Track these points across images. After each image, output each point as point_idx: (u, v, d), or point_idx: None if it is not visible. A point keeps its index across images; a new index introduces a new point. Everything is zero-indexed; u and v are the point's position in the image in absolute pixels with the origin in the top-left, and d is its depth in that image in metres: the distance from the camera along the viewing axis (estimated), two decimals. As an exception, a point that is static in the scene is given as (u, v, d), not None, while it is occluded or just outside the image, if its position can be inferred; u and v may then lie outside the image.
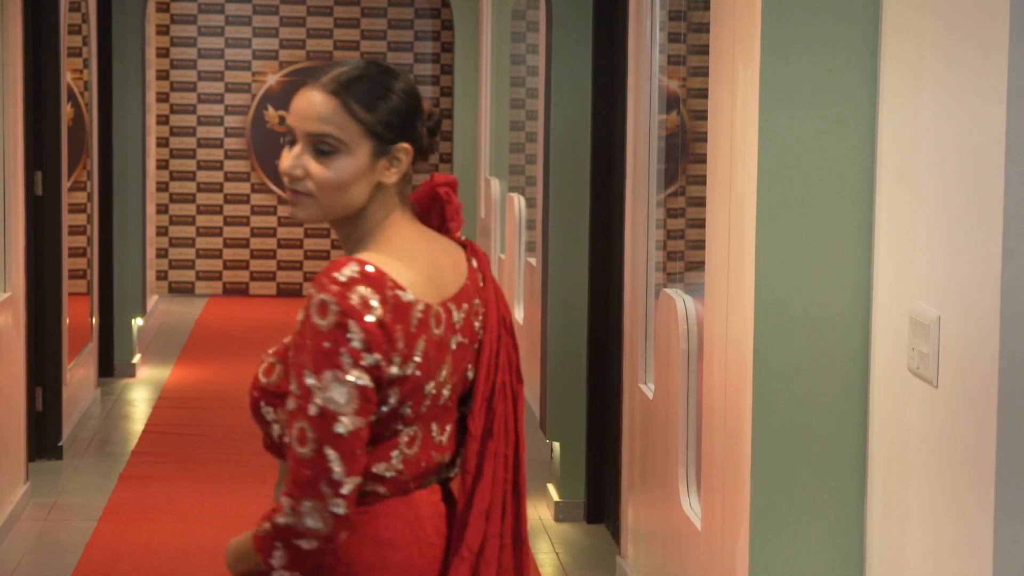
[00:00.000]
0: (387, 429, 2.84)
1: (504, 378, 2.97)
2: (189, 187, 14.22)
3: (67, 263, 8.84)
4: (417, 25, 14.16)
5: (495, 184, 12.20)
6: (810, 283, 4.42)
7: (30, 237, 8.00)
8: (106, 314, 10.53)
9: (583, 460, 7.44)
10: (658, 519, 5.91)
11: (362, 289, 2.76)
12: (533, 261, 9.65)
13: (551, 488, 7.60)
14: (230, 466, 8.20)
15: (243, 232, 14.24)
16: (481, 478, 2.92)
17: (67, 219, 8.84)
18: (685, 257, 6.37)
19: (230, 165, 14.16)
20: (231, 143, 14.11)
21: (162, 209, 14.14)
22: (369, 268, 2.79)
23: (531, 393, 9.28)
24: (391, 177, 2.90)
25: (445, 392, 2.90)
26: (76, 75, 9.76)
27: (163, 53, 14.01)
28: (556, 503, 7.45)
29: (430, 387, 2.87)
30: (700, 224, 6.91)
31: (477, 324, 2.96)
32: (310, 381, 2.73)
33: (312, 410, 2.73)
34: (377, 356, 2.76)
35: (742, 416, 4.58)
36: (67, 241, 8.84)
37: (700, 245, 6.92)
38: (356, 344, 2.74)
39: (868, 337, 4.38)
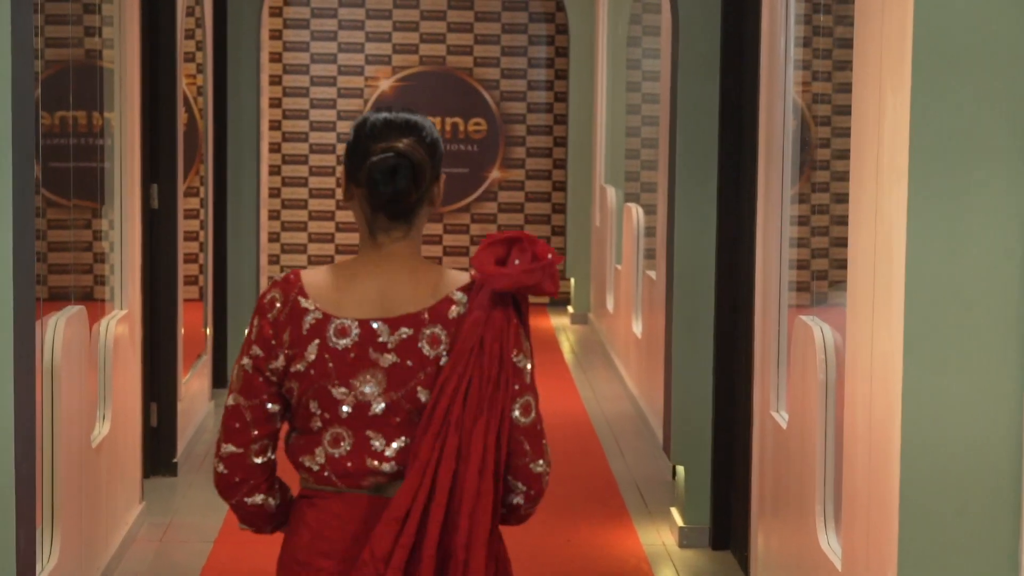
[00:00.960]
0: (308, 425, 3.26)
1: (463, 400, 3.22)
2: (301, 192, 14.14)
3: (182, 272, 8.74)
4: (531, 29, 13.99)
5: (611, 192, 12.01)
6: (964, 315, 4.20)
7: (145, 251, 7.91)
8: (220, 323, 10.44)
9: (708, 484, 7.23)
10: (792, 553, 5.70)
11: (275, 291, 3.31)
12: (653, 274, 9.45)
13: (675, 512, 7.40)
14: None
15: (354, 238, 14.12)
16: (404, 489, 3.20)
17: (182, 228, 8.74)
18: (827, 276, 6.16)
19: (340, 171, 14.05)
20: (342, 148, 14.00)
21: (274, 215, 14.07)
22: (292, 276, 3.34)
23: (653, 413, 9.08)
24: (353, 214, 3.36)
25: (376, 405, 3.25)
26: (190, 80, 9.69)
27: (276, 58, 13.94)
28: (680, 528, 7.25)
29: (340, 392, 3.24)
30: (840, 239, 6.70)
31: (430, 351, 3.25)
32: None
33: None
34: (259, 349, 3.28)
35: (889, 456, 4.36)
36: (182, 251, 8.74)
37: (839, 263, 6.71)
38: (254, 335, 3.31)
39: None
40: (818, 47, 6.18)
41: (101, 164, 7.23)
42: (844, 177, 6.70)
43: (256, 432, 3.28)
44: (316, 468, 3.27)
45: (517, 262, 3.26)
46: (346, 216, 14.14)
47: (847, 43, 5.57)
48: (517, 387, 3.27)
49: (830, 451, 5.34)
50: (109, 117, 7.26)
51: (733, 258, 6.98)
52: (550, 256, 3.27)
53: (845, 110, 6.66)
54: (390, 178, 3.26)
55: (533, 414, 3.30)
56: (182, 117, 8.98)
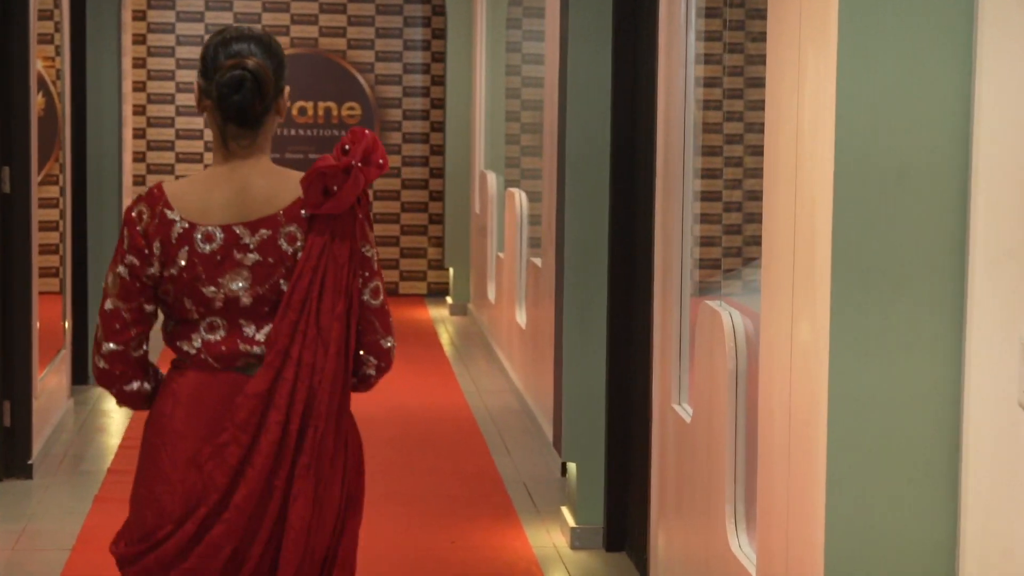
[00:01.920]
0: (185, 317, 3.69)
1: (319, 290, 3.64)
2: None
3: (37, 262, 8.19)
4: (407, 10, 13.51)
5: (492, 178, 11.59)
6: (896, 295, 3.81)
7: (-4, 238, 7.35)
8: (80, 315, 9.89)
9: (602, 482, 6.81)
10: (698, 555, 5.29)
11: (141, 205, 3.69)
12: (538, 261, 9.03)
13: (566, 512, 6.98)
14: (214, 485, 7.57)
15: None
16: (261, 372, 3.63)
17: (37, 216, 8.19)
18: (723, 265, 5.77)
19: (211, 158, 13.48)
20: (210, 135, 13.44)
21: (139, 204, 13.47)
22: (156, 190, 3.71)
23: (540, 408, 8.65)
24: (207, 123, 3.77)
25: (245, 299, 3.67)
26: (48, 63, 9.15)
27: (140, 39, 13.35)
28: (572, 529, 6.82)
29: (212, 291, 3.65)
30: (737, 227, 6.31)
31: (288, 247, 3.68)
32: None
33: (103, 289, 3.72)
34: (133, 258, 3.66)
35: (813, 450, 3.96)
36: (37, 239, 8.19)
37: (736, 251, 6.32)
38: (126, 245, 3.68)
39: (961, 365, 3.77)
40: (723, 10, 5.79)
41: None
42: (753, 153, 6.33)
43: (135, 331, 3.71)
44: (193, 352, 3.69)
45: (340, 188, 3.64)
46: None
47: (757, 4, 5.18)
48: (367, 274, 3.73)
49: (740, 446, 4.94)
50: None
51: (628, 241, 6.56)
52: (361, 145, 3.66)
53: (758, 82, 6.27)
54: (236, 91, 3.66)
55: (381, 297, 3.77)
56: (39, 101, 8.48)
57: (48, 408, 8.46)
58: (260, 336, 3.69)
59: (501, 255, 10.82)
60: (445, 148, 13.13)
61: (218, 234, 3.67)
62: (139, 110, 13.44)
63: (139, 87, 13.43)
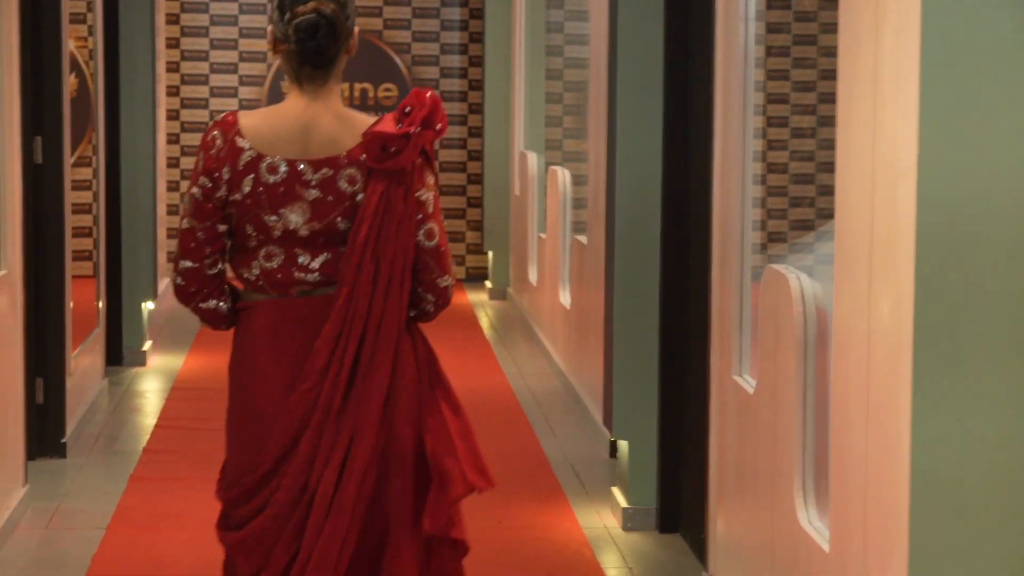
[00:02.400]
0: (245, 244, 3.95)
1: (377, 234, 3.87)
2: (201, 163, 13.36)
3: (71, 241, 8.00)
4: (445, -10, 13.28)
5: (532, 158, 11.35)
6: (987, 254, 3.57)
7: (29, 210, 7.15)
8: (114, 297, 9.70)
9: (655, 461, 6.57)
10: (763, 534, 5.06)
11: (216, 131, 3.94)
12: (583, 239, 8.79)
13: (617, 493, 6.74)
14: (252, 465, 7.35)
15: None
16: (335, 313, 3.88)
17: (70, 195, 8.00)
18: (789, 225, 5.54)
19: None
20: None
21: (173, 186, 13.28)
22: (230, 117, 3.96)
23: (586, 389, 8.41)
24: (281, 65, 4.02)
25: (302, 231, 3.91)
26: (80, 43, 8.97)
27: (173, 20, 13.15)
28: (624, 509, 6.58)
29: (272, 219, 3.91)
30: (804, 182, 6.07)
31: (347, 187, 3.92)
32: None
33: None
34: (205, 179, 3.93)
35: (898, 419, 3.72)
36: (71, 219, 8.00)
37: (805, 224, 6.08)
38: (200, 168, 3.94)
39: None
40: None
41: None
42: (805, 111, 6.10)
43: (209, 249, 3.95)
44: (252, 278, 3.96)
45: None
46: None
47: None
48: (420, 216, 3.93)
49: (810, 416, 4.70)
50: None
51: (682, 210, 6.32)
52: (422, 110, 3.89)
53: (808, 40, 6.04)
54: (312, 36, 3.91)
55: (436, 238, 3.96)
56: (72, 82, 8.29)
57: (82, 387, 8.26)
58: (315, 264, 3.94)
59: (543, 236, 10.59)
60: (484, 130, 12.90)
61: (282, 167, 3.92)
62: (173, 91, 13.24)
63: (173, 68, 13.23)
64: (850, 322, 4.10)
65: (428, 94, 3.94)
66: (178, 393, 9.06)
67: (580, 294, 8.83)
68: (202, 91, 13.32)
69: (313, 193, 3.91)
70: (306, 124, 3.92)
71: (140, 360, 9.82)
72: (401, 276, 3.91)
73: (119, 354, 9.73)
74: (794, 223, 5.76)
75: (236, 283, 4.03)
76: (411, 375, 3.95)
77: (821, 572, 4.41)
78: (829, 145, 4.82)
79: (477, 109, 13.26)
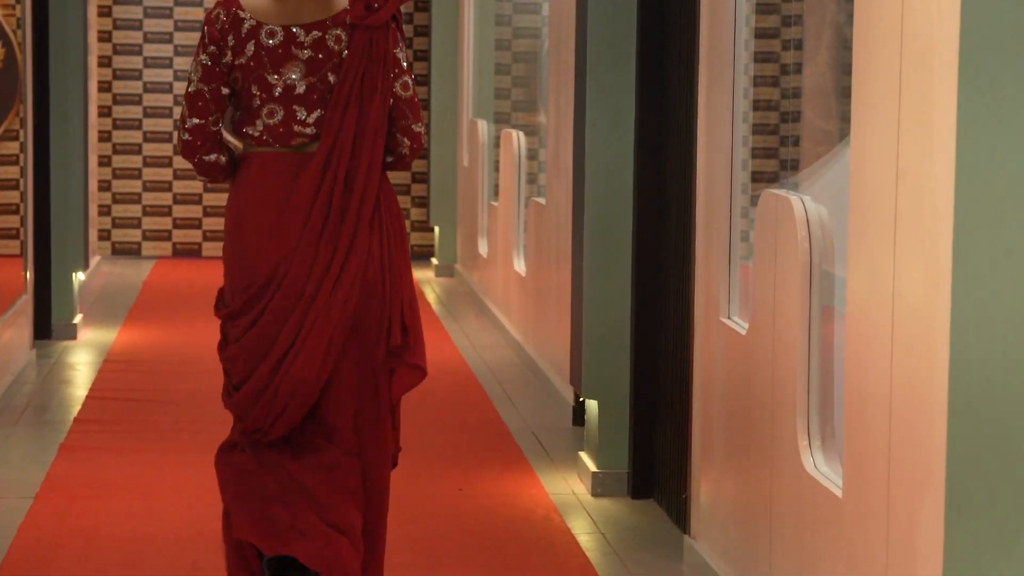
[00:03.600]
0: (249, 102, 4.47)
1: (360, 83, 4.42)
2: (135, 136, 12.81)
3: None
4: (388, -42, 12.80)
5: (482, 125, 10.89)
6: None
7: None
8: (42, 268, 9.17)
9: (627, 423, 6.13)
10: (759, 487, 4.61)
11: (219, 9, 4.49)
12: (542, 200, 8.35)
13: (585, 457, 6.29)
14: (190, 435, 6.87)
15: (195, 187, 12.83)
16: (321, 147, 4.43)
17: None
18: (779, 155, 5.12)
19: (179, 112, 12.76)
20: (181, 88, 12.72)
21: (104, 161, 12.74)
22: None
23: (548, 358, 7.95)
24: None
25: (300, 86, 4.45)
26: (8, 12, 8.47)
27: (105, -12, 12.61)
28: (594, 474, 6.14)
29: (274, 78, 4.45)
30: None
31: (335, 46, 4.44)
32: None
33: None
34: (213, 47, 4.47)
35: (933, 345, 3.30)
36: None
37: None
38: (207, 39, 4.48)
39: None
40: None
41: None
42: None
43: (213, 107, 4.48)
44: (256, 133, 4.48)
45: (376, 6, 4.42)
46: (186, 163, 12.85)
47: None
48: (397, 71, 4.48)
49: (815, 353, 4.26)
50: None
51: (659, 150, 5.88)
52: None
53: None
54: None
55: (411, 90, 4.51)
56: (-2, 52, 7.79)
57: (6, 358, 7.75)
58: (311, 119, 4.47)
59: (495, 204, 10.14)
60: (430, 102, 12.43)
61: (279, 32, 4.45)
62: (104, 61, 12.70)
63: (105, 37, 12.69)
64: (869, 238, 3.68)
65: None
66: (111, 365, 8.54)
67: (538, 257, 8.38)
68: (135, 61, 12.78)
69: (307, 53, 4.45)
70: None
71: (70, 333, 9.30)
72: (380, 121, 4.43)
73: (48, 328, 9.20)
74: (785, 163, 5.34)
75: (239, 141, 4.53)
76: (395, 212, 4.51)
77: (834, 519, 3.97)
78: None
79: (423, 81, 12.78)
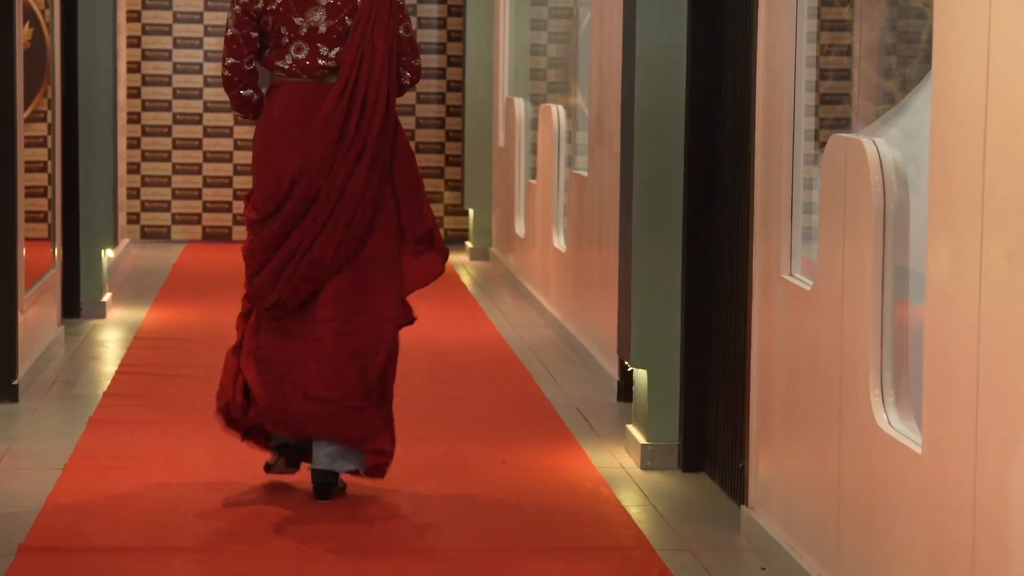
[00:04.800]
0: (279, 41, 5.39)
1: (371, 25, 5.33)
2: (164, 118, 12.61)
3: (23, 201, 7.29)
4: (423, -63, 12.59)
5: (519, 104, 10.66)
6: None
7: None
8: (71, 246, 8.97)
9: (678, 394, 5.89)
10: (827, 449, 4.37)
11: None
12: (583, 172, 8.11)
13: (633, 430, 6.06)
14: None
15: (225, 169, 12.63)
16: (339, 77, 5.37)
17: (23, 152, 7.34)
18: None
19: (210, 94, 12.55)
20: (211, 69, 12.51)
21: (133, 143, 12.54)
22: None
23: (589, 335, 7.71)
24: None
25: (322, 27, 5.35)
26: (35, -10, 8.25)
27: (135, -33, 12.42)
28: (643, 447, 5.90)
29: (299, 20, 5.35)
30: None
31: None
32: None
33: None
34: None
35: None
36: (23, 179, 7.33)
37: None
38: None
39: None
40: None
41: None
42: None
43: (247, 49, 5.43)
44: (286, 66, 5.40)
45: None
46: (215, 145, 12.64)
47: None
48: (400, 16, 5.39)
49: (889, 306, 4.02)
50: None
51: (712, 104, 5.64)
52: None
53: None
54: None
55: (412, 31, 5.44)
56: (26, 32, 7.61)
57: (35, 333, 7.54)
58: (332, 54, 5.38)
59: (533, 182, 9.91)
60: (464, 83, 12.20)
61: None
62: (134, 42, 12.50)
63: (134, 17, 12.49)
64: (953, 182, 3.44)
65: None
66: (141, 343, 8.33)
67: (579, 230, 8.14)
68: (165, 41, 12.58)
69: (327, 0, 5.37)
70: None
71: (99, 312, 9.09)
72: (389, 55, 5.33)
73: (76, 306, 9.00)
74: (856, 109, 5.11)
75: (272, 73, 5.39)
76: (402, 135, 5.47)
77: (912, 477, 3.73)
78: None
79: (457, 62, 12.56)
